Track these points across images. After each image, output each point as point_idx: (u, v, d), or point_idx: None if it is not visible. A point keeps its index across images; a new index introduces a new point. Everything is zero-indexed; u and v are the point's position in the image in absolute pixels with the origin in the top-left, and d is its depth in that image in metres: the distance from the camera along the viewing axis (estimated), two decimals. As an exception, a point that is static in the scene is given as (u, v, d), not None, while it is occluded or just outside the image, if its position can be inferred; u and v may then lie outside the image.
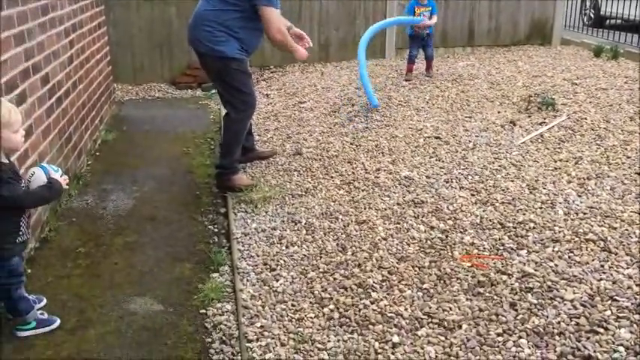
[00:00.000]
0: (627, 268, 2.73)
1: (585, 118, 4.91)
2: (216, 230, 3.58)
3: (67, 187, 2.70)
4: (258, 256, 3.17)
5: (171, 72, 7.42)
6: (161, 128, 5.58)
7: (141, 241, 3.39)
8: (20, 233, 2.47)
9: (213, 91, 6.53)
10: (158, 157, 4.79)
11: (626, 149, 4.22)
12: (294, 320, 2.60)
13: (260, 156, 4.56)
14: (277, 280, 2.92)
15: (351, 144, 4.79)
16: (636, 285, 2.59)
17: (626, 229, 3.07)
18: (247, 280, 2.94)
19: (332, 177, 4.16)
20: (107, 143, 5.10)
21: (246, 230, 3.47)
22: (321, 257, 3.09)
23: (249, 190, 3.95)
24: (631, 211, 3.26)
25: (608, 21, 9.97)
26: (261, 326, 2.57)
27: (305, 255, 3.13)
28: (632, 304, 2.46)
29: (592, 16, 10.71)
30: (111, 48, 6.13)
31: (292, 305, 2.71)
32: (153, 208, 3.84)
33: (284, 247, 3.24)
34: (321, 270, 2.97)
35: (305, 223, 3.48)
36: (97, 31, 5.27)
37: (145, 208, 3.83)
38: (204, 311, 2.73)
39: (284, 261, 3.09)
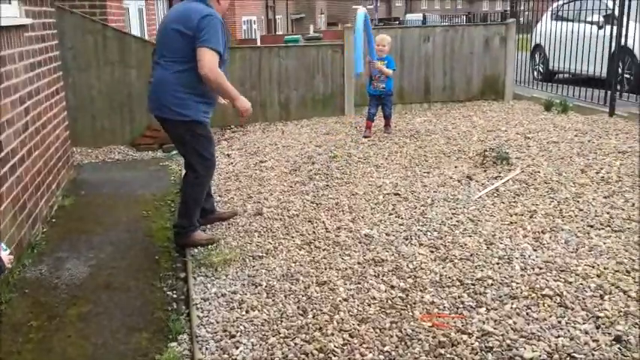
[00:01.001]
0: (583, 323, 2.77)
1: (538, 172, 5.06)
2: (175, 296, 3.51)
3: (11, 265, 2.57)
4: (217, 322, 3.10)
5: (131, 134, 7.41)
6: (120, 191, 5.53)
7: (95, 311, 3.30)
8: None
9: (174, 152, 6.53)
10: (116, 222, 4.72)
11: (578, 202, 4.34)
12: (254, 390, 2.54)
13: (220, 217, 4.55)
14: (237, 348, 2.85)
15: (311, 202, 4.81)
16: (593, 341, 2.62)
17: (581, 284, 3.13)
18: (206, 349, 2.87)
19: (292, 237, 4.15)
20: (64, 209, 5.01)
21: (206, 295, 3.41)
22: (281, 321, 3.05)
23: (209, 250, 3.92)
24: (585, 265, 3.34)
25: (557, 75, 10.41)
26: (220, 398, 2.50)
27: (265, 319, 3.08)
28: None
29: (542, 70, 11.17)
30: (70, 112, 6.12)
31: (252, 374, 2.65)
32: (109, 275, 3.75)
33: (244, 312, 3.18)
34: (281, 335, 2.92)
35: (265, 286, 3.45)
36: (55, 97, 5.26)
37: (101, 276, 3.74)
38: (161, 384, 2.64)
39: (244, 327, 3.03)
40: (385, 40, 6.93)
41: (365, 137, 6.83)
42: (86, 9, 7.29)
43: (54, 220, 4.74)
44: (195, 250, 4.03)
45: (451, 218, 4.23)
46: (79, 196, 5.35)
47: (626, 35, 7.46)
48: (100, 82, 7.24)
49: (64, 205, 5.07)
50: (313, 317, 3.05)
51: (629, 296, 2.97)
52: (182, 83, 3.79)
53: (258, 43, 13.58)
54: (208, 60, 3.68)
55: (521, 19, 13.45)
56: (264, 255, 3.90)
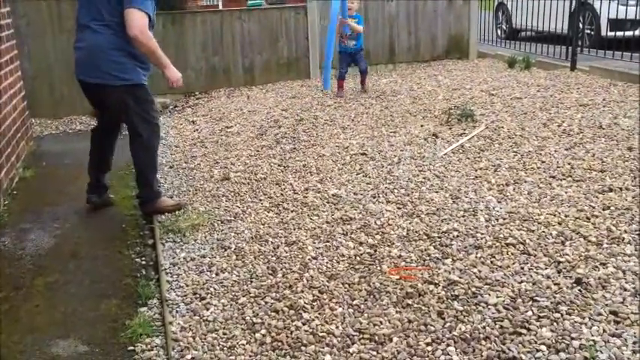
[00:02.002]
0: (545, 268, 2.85)
1: (502, 127, 5.12)
2: (143, 263, 3.49)
3: None
4: (187, 285, 3.10)
5: (92, 103, 7.23)
6: (82, 162, 5.32)
7: (63, 280, 3.26)
8: None
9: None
10: (80, 192, 4.61)
11: (540, 154, 4.42)
12: (225, 349, 2.55)
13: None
14: (207, 309, 2.86)
15: (279, 165, 4.79)
16: (554, 284, 2.70)
17: (543, 231, 3.20)
18: (177, 312, 2.87)
19: (260, 200, 4.15)
20: (25, 180, 4.90)
21: (175, 260, 3.39)
22: (251, 282, 3.06)
23: (177, 217, 3.90)
24: (547, 214, 3.41)
25: (521, 33, 10.47)
26: (192, 358, 2.51)
27: (235, 281, 3.09)
28: (551, 303, 2.56)
29: (505, 29, 11.22)
30: (27, 82, 5.93)
31: (224, 334, 2.66)
32: (76, 245, 3.70)
33: (214, 275, 3.19)
34: (252, 295, 2.94)
35: (235, 249, 3.45)
36: (9, 66, 5.09)
37: (68, 246, 3.69)
38: (132, 348, 2.64)
39: (214, 289, 3.04)
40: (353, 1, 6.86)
41: (339, 97, 6.84)
42: (38, -25, 7.01)
43: (15, 193, 4.63)
44: (163, 217, 3.99)
45: (417, 175, 4.27)
46: (41, 168, 5.23)
47: (587, -10, 7.52)
48: (56, 50, 7.01)
49: (25, 177, 4.95)
50: (283, 276, 3.07)
51: (589, 241, 3.05)
52: (119, 47, 3.67)
53: (221, 8, 13.30)
54: (137, 20, 3.55)
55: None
56: (233, 219, 3.89)
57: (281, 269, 3.14)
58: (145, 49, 3.66)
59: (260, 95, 7.53)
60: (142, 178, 4.04)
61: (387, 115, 5.94)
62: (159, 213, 4.03)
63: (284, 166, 4.76)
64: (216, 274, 3.18)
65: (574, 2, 7.59)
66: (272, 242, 3.47)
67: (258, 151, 5.23)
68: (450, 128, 5.29)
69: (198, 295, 2.99)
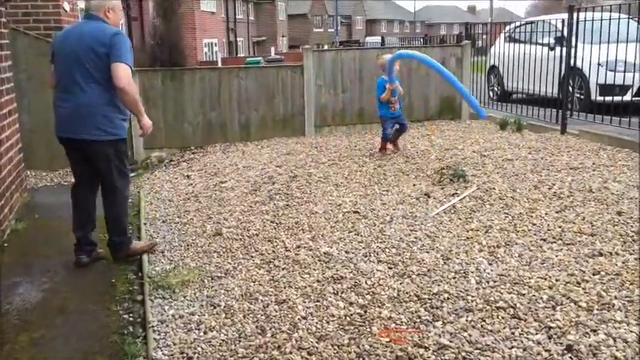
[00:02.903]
0: (536, 334, 2.83)
1: (494, 188, 5.17)
2: (131, 319, 3.45)
3: None
4: (174, 344, 3.06)
5: (88, 156, 7.28)
6: (76, 214, 5.40)
7: (49, 336, 3.21)
8: None
9: (134, 174, 6.46)
10: (72, 245, 4.61)
11: (531, 216, 4.46)
12: (211, 411, 2.50)
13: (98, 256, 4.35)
14: (194, 369, 2.82)
15: (271, 222, 4.81)
16: (545, 350, 2.68)
17: (534, 295, 3.20)
18: (163, 371, 2.82)
19: (252, 257, 4.14)
20: (17, 233, 4.88)
21: (163, 317, 3.36)
22: (240, 341, 3.03)
23: (167, 272, 3.90)
24: (537, 277, 3.42)
25: (512, 96, 10.69)
26: (176, 420, 2.45)
27: (223, 340, 3.05)
28: (541, 369, 2.54)
29: (497, 91, 11.47)
30: (25, 134, 6.00)
31: (209, 395, 2.61)
32: (64, 299, 3.66)
33: (202, 333, 3.15)
34: (240, 355, 2.90)
35: (224, 306, 3.42)
36: (8, 119, 5.16)
37: (56, 300, 3.65)
38: (115, 408, 2.58)
39: (202, 348, 2.99)
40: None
41: (382, 153, 6.91)
42: (41, 31, 7.17)
43: (6, 245, 4.61)
44: (153, 272, 3.98)
45: (409, 235, 4.28)
46: (33, 220, 5.22)
47: (576, 56, 7.74)
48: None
49: (18, 229, 4.94)
50: (272, 336, 3.04)
51: (579, 306, 3.05)
52: (108, 102, 3.91)
53: (220, 65, 13.60)
54: (125, 74, 3.82)
55: (479, 41, 13.84)
56: (223, 275, 3.87)
57: (270, 329, 3.11)
58: (131, 98, 3.90)
59: (255, 151, 7.61)
60: (114, 226, 4.18)
61: (381, 174, 6.00)
62: (133, 256, 4.23)
63: (277, 223, 4.77)
64: (205, 333, 3.15)
65: (564, 67, 7.80)
66: (262, 300, 3.45)
67: (251, 206, 5.26)
68: (442, 188, 5.34)
69: (185, 355, 2.95)
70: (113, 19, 4.07)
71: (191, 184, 6.26)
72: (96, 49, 3.83)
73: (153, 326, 3.26)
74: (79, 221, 4.24)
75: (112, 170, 4.05)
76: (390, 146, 7.04)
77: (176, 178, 6.62)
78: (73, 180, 6.85)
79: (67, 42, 3.98)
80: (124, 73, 3.81)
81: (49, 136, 7.03)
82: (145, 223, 5.07)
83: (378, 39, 34.16)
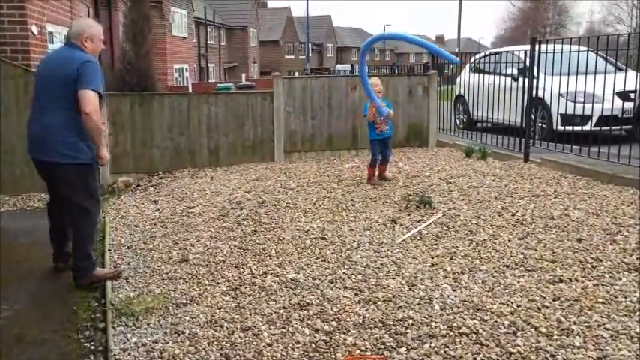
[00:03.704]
0: (497, 359, 2.87)
1: (459, 215, 5.26)
2: (92, 348, 3.39)
3: None
4: (137, 372, 3.01)
5: (53, 180, 7.18)
6: (39, 240, 5.28)
7: (6, 366, 3.13)
8: None
9: (103, 197, 6.37)
10: (34, 272, 4.53)
11: (495, 243, 4.54)
12: None
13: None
14: (156, 398, 2.77)
15: (238, 248, 4.79)
16: (506, 375, 2.72)
17: (496, 321, 3.25)
18: (124, 401, 2.77)
19: (218, 283, 4.12)
20: (-24, 258, 4.77)
21: (126, 345, 3.31)
22: (203, 369, 3.00)
23: (131, 299, 3.84)
24: (500, 303, 3.47)
25: (478, 124, 10.93)
26: None
27: (187, 368, 3.02)
28: (502, 394, 2.57)
29: (464, 119, 11.71)
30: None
31: None
32: (23, 327, 3.58)
33: (165, 361, 3.11)
34: (203, 383, 2.87)
35: (188, 334, 3.38)
36: (-30, 142, 5.07)
37: (15, 328, 3.56)
38: None
39: (164, 376, 2.96)
40: (379, 82, 6.77)
41: (372, 184, 6.64)
42: (8, 54, 7.10)
43: (-36, 271, 4.49)
44: (117, 299, 3.92)
45: (376, 261, 4.31)
46: (-6, 246, 5.11)
47: (537, 87, 7.97)
48: (20, 127, 6.96)
49: (-23, 255, 4.82)
50: (236, 363, 3.01)
51: (539, 332, 3.11)
52: (70, 128, 3.98)
53: (190, 91, 13.60)
54: (91, 100, 3.89)
55: (446, 70, 14.15)
56: (189, 302, 3.84)
57: (234, 356, 3.09)
58: (93, 125, 3.93)
59: (224, 176, 7.60)
60: (80, 250, 4.16)
61: (348, 200, 6.05)
62: (97, 282, 4.21)
63: (244, 249, 4.76)
64: (168, 361, 3.11)
65: (527, 97, 8.02)
66: (227, 327, 3.43)
67: (218, 232, 5.23)
68: (409, 214, 5.41)
69: (147, 383, 2.90)
70: (91, 47, 4.16)
71: (158, 209, 6.21)
72: (65, 75, 3.94)
73: (114, 355, 3.21)
74: (53, 234, 4.43)
75: (75, 194, 4.08)
76: (377, 175, 6.79)
77: (143, 204, 6.56)
78: (36, 205, 6.81)
79: (43, 67, 4.23)
80: (90, 100, 3.88)
81: (11, 159, 6.99)
82: (109, 249, 5.01)
83: (348, 66, 34.64)
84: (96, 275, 4.23)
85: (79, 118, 3.92)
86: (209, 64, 36.57)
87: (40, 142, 4.05)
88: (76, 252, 4.19)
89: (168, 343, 3.29)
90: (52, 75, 4.03)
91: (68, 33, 4.25)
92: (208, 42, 36.50)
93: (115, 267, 4.55)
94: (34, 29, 7.44)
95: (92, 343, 3.44)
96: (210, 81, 31.66)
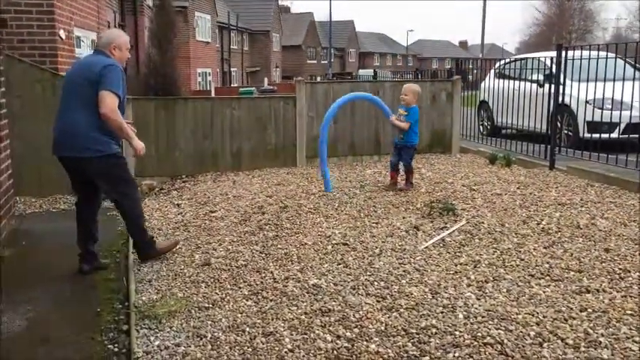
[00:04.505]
0: (523, 370, 2.82)
1: (483, 223, 5.20)
2: (116, 350, 3.40)
3: None
4: (159, 376, 3.02)
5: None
6: (64, 242, 5.35)
7: (31, 366, 3.16)
8: None
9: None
10: (58, 274, 4.58)
11: (519, 252, 4.48)
12: None
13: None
14: (178, 402, 2.78)
15: (260, 253, 4.80)
16: (532, 387, 2.67)
17: (521, 332, 3.20)
18: (146, 404, 2.78)
19: (240, 287, 4.12)
20: (3, 260, 4.83)
21: (149, 348, 3.32)
22: (225, 374, 2.99)
23: (154, 302, 3.86)
24: (525, 313, 3.42)
25: (502, 131, 10.82)
26: None
27: (209, 373, 3.02)
28: (528, 407, 2.52)
29: (487, 126, 11.61)
30: (15, 160, 5.99)
31: None
32: (48, 328, 3.62)
33: (187, 365, 3.12)
34: (225, 388, 2.86)
35: (210, 338, 3.39)
36: (0, 144, 5.15)
37: (39, 330, 3.60)
38: None
39: (186, 380, 2.96)
40: (407, 89, 6.69)
41: (386, 189, 6.62)
42: (36, 57, 7.22)
43: (-9, 272, 4.56)
44: (140, 302, 3.94)
45: (398, 268, 4.28)
46: (20, 247, 5.18)
47: (564, 93, 7.87)
48: (47, 130, 7.05)
49: (4, 257, 4.89)
50: (258, 369, 3.01)
51: (566, 344, 3.05)
52: (92, 124, 4.24)
53: (213, 95, 13.71)
54: (109, 101, 4.18)
55: (470, 76, 14.05)
56: (211, 306, 3.84)
57: (256, 362, 3.08)
58: (114, 124, 4.24)
59: (246, 181, 7.63)
60: (136, 228, 4.64)
61: (370, 206, 6.02)
62: (159, 255, 4.71)
63: (265, 254, 4.76)
64: (190, 365, 3.11)
65: (553, 103, 7.92)
66: (249, 332, 3.42)
67: (240, 237, 5.25)
68: (432, 221, 5.36)
69: (169, 387, 2.91)
70: (118, 55, 4.46)
71: (181, 212, 6.25)
72: (88, 77, 4.24)
73: (138, 357, 3.22)
74: (81, 234, 4.57)
75: (115, 181, 4.45)
76: (399, 179, 6.78)
77: (166, 207, 6.61)
78: (62, 207, 6.90)
79: (71, 71, 4.56)
80: (108, 101, 4.17)
81: (39, 162, 7.09)
82: (133, 252, 5.04)
83: (370, 72, 34.60)
84: (159, 247, 4.74)
85: (99, 116, 4.19)
86: (232, 69, 36.83)
87: (67, 139, 4.30)
88: (133, 231, 4.67)
89: (190, 347, 3.30)
90: (76, 77, 4.34)
91: (98, 41, 4.55)
92: (231, 46, 36.78)
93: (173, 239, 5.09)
94: (62, 34, 7.55)
95: (115, 345, 3.45)
96: (232, 85, 31.88)
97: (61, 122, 4.35)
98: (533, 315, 3.39)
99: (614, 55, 7.36)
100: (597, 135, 7.61)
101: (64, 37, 7.60)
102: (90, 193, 4.57)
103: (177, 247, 4.88)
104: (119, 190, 4.51)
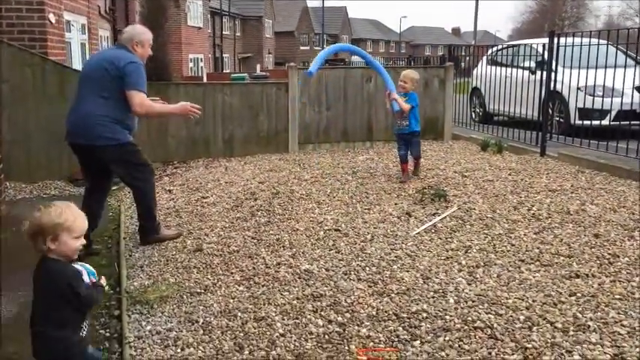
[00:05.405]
0: (512, 354, 2.85)
1: (474, 209, 5.22)
2: (107, 335, 3.42)
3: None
4: (151, 360, 3.03)
5: (69, 169, 7.22)
6: (55, 227, 5.35)
7: (26, 353, 3.15)
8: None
9: (115, 187, 6.41)
10: (49, 258, 4.56)
11: (510, 237, 4.50)
12: None
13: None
14: (170, 386, 2.79)
15: (252, 238, 4.80)
16: (521, 370, 2.70)
17: (511, 316, 3.23)
18: (138, 388, 2.79)
19: (232, 273, 4.13)
20: (-7, 245, 4.81)
21: (140, 333, 3.33)
22: (217, 358, 3.01)
23: (146, 287, 3.87)
24: (515, 298, 3.44)
25: (494, 117, 10.84)
26: None
27: (200, 357, 3.04)
28: (517, 389, 2.55)
29: (479, 112, 11.62)
30: (4, 146, 5.94)
31: (185, 412, 2.59)
32: (39, 313, 3.61)
33: (179, 350, 3.13)
34: (216, 372, 2.88)
35: (202, 323, 3.40)
36: (-12, 129, 5.11)
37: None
38: None
39: (178, 365, 2.97)
40: (407, 77, 6.44)
41: (401, 182, 6.29)
42: (25, 42, 7.15)
43: (-18, 257, 4.54)
44: (132, 287, 3.95)
45: (390, 253, 4.30)
46: (10, 233, 5.15)
47: (555, 80, 7.88)
48: (37, 115, 7.06)
49: (-6, 242, 4.87)
50: (249, 353, 3.03)
51: (555, 327, 3.08)
52: (105, 113, 4.36)
53: (205, 81, 13.63)
54: (140, 100, 4.39)
55: (462, 63, 14.03)
56: (203, 291, 3.85)
57: (248, 346, 3.10)
58: (153, 115, 4.78)
59: (238, 167, 7.61)
60: (148, 214, 4.74)
61: (362, 192, 6.03)
62: (160, 242, 4.76)
63: (257, 239, 4.76)
64: (182, 349, 3.13)
65: (544, 90, 7.93)
66: (241, 317, 3.44)
67: (232, 222, 5.24)
68: (424, 207, 5.38)
69: (161, 371, 2.92)
70: (140, 51, 4.57)
71: (172, 198, 6.24)
72: (107, 68, 4.35)
73: (129, 342, 3.23)
74: None
75: (130, 168, 4.58)
76: (410, 167, 6.55)
77: (157, 193, 6.55)
78: (52, 192, 6.87)
79: (88, 62, 4.77)
80: (138, 101, 4.37)
81: (29, 147, 7.05)
82: (124, 237, 5.04)
83: (363, 58, 34.45)
84: (162, 234, 4.81)
85: (114, 105, 4.35)
86: (224, 55, 36.61)
87: (81, 129, 4.39)
88: (144, 215, 4.74)
89: (182, 331, 3.31)
90: (96, 68, 4.43)
91: (120, 36, 4.66)
92: (223, 32, 36.54)
93: (177, 230, 5.09)
94: (52, 17, 7.47)
95: (107, 330, 3.46)
96: (224, 71, 31.70)
97: (76, 111, 4.43)
98: (522, 299, 3.42)
99: (606, 42, 7.36)
100: (588, 122, 7.63)
101: (53, 20, 7.52)
102: (101, 179, 4.70)
103: (179, 237, 4.89)
104: (135, 176, 4.63)
